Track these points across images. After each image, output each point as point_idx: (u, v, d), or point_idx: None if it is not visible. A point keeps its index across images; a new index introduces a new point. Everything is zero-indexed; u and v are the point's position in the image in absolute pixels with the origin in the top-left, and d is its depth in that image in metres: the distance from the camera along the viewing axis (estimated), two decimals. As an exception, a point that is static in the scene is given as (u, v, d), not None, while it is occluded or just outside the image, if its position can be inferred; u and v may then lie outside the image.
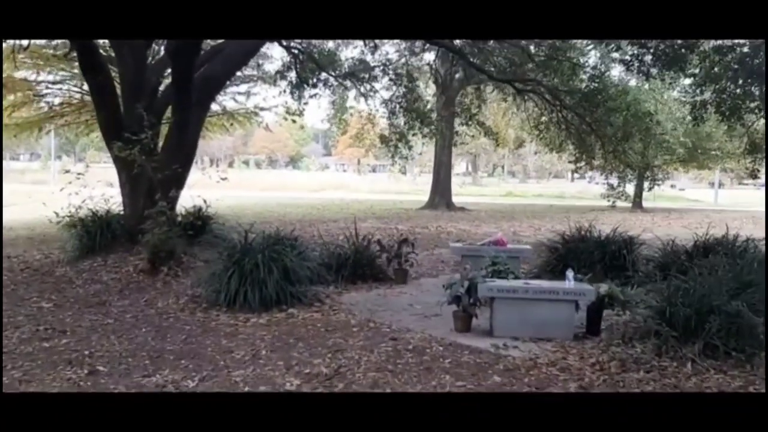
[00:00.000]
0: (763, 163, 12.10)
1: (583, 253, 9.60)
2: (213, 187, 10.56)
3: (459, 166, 68.19)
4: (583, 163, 17.70)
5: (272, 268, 7.64)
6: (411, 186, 48.66)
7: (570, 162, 22.46)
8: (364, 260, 9.25)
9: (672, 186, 16.34)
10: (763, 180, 14.30)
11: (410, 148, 17.10)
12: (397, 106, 15.25)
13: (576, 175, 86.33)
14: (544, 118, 16.44)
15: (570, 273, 6.83)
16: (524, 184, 61.11)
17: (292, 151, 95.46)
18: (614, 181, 16.79)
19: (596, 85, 13.95)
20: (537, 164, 65.42)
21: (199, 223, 10.35)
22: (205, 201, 10.70)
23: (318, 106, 27.47)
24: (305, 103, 20.87)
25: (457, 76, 23.26)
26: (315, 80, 15.65)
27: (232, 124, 21.28)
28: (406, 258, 9.39)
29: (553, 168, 65.84)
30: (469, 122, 15.69)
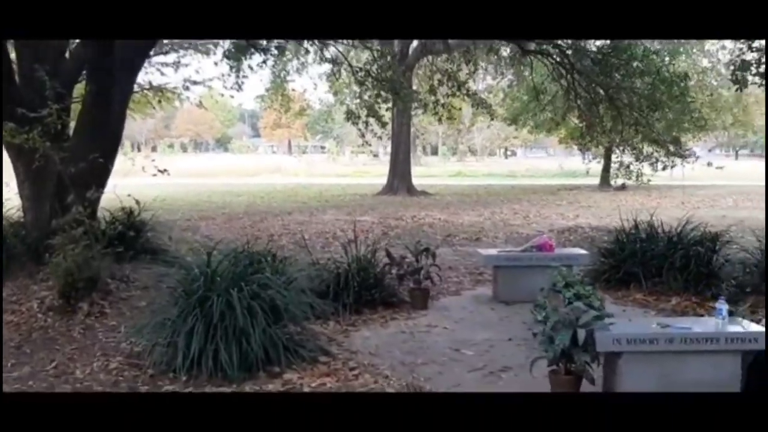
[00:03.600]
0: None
1: (653, 256, 7.32)
2: (134, 174, 7.79)
3: (387, 145, 65.72)
4: (588, 140, 15.52)
5: (255, 310, 5.00)
6: (351, 168, 46.05)
7: (572, 139, 20.42)
8: (371, 279, 6.69)
9: (709, 164, 14.51)
10: None
11: (384, 125, 14.50)
12: (366, 74, 12.61)
13: (509, 153, 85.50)
14: (549, 86, 14.14)
15: (723, 305, 4.48)
16: (462, 163, 59.24)
17: (218, 133, 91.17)
18: (626, 158, 14.74)
19: (610, 43, 11.65)
20: (480, 142, 63.95)
21: (131, 232, 7.52)
22: (138, 202, 7.86)
23: (260, 80, 24.50)
24: (245, 76, 18.05)
25: (414, 43, 20.73)
26: (263, 46, 12.80)
27: (159, 101, 18.07)
28: (427, 274, 6.87)
29: (501, 144, 64.51)
30: (458, 92, 13.30)
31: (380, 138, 17.05)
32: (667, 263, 7.10)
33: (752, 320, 4.60)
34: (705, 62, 21.74)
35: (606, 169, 23.94)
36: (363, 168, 44.74)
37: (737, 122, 26.30)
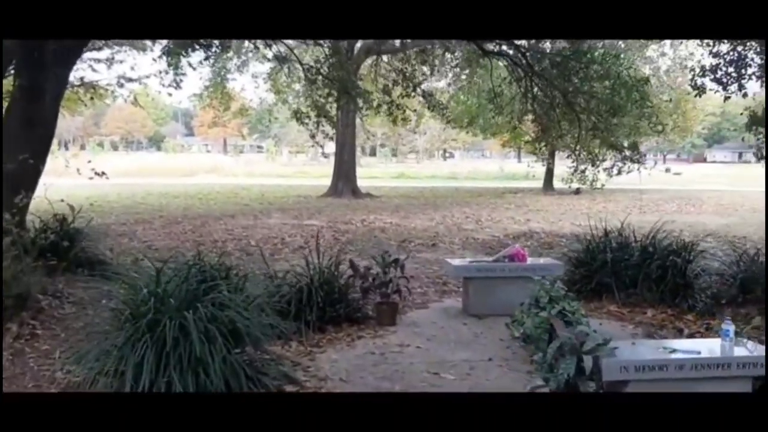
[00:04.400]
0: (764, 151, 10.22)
1: (627, 266, 7.05)
2: (63, 174, 7.05)
3: (329, 146, 65.13)
4: (543, 144, 15.27)
5: (214, 335, 4.40)
6: (291, 168, 45.22)
7: (527, 142, 20.19)
8: (335, 294, 6.16)
9: (667, 170, 14.47)
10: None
11: (334, 125, 13.90)
12: (316, 72, 12.01)
13: (447, 155, 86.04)
14: (506, 88, 13.79)
15: (730, 326, 4.16)
16: (403, 165, 59.09)
17: (150, 131, 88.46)
18: (581, 164, 14.56)
19: (570, 45, 11.41)
20: (422, 144, 63.99)
21: (65, 242, 6.76)
22: (72, 208, 7.09)
23: (199, 77, 23.40)
24: (183, 73, 17.23)
25: (358, 45, 20.21)
26: (205, 43, 12.05)
27: (92, 98, 17.02)
28: (396, 287, 6.38)
29: (440, 146, 64.64)
30: (413, 92, 12.82)
31: (332, 138, 16.48)
32: (642, 274, 6.82)
33: (751, 338, 4.31)
34: (647, 69, 22.02)
35: (550, 172, 23.98)
36: (304, 168, 44.10)
37: (677, 127, 26.92)
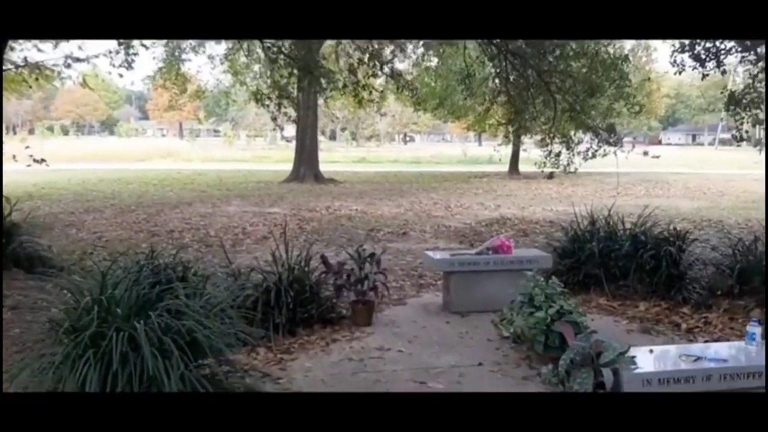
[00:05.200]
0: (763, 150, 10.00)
1: (617, 257, 6.61)
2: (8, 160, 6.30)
3: (289, 130, 63.93)
4: (516, 127, 14.74)
5: (169, 348, 3.78)
6: (249, 152, 44.10)
7: (493, 125, 19.68)
8: (306, 293, 5.56)
9: (645, 153, 14.11)
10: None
11: (297, 107, 13.19)
12: (278, 51, 11.27)
13: (408, 139, 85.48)
14: (476, 69, 13.19)
15: (757, 328, 3.71)
16: (364, 149, 58.30)
17: (103, 115, 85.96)
18: (555, 147, 14.11)
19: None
20: (383, 127, 63.34)
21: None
22: (8, 200, 6.34)
23: (153, 57, 22.03)
24: (135, 53, 16.38)
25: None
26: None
27: (36, 80, 15.97)
28: (373, 284, 5.82)
29: (401, 130, 64.03)
30: (380, 72, 12.20)
31: (295, 121, 15.75)
32: (634, 264, 6.39)
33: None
34: (610, 49, 21.73)
35: (516, 155, 23.61)
36: (263, 153, 43.10)
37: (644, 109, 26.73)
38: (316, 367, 4.77)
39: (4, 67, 11.58)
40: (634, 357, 3.45)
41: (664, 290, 6.29)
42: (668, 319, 5.95)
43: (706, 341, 5.41)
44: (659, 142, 79.64)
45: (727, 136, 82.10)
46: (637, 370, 3.36)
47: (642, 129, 60.76)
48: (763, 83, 9.96)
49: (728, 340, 5.44)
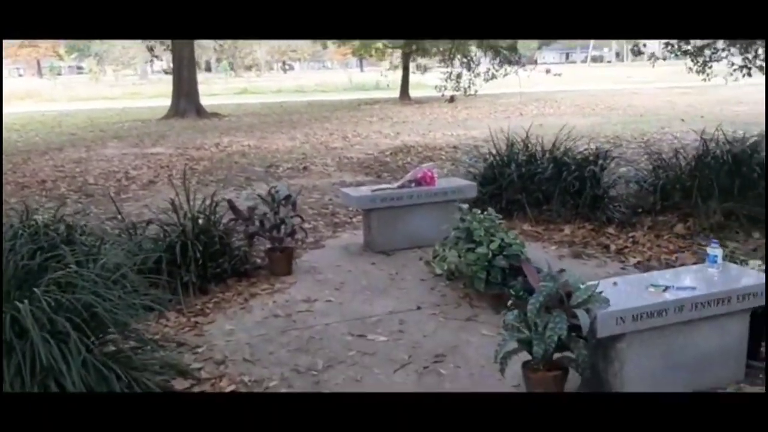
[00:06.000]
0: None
1: (540, 181, 6.38)
2: None
3: (157, 64, 60.24)
4: (413, 48, 14.04)
5: (63, 330, 3.12)
6: (119, 89, 41.03)
7: (394, 47, 18.79)
8: (216, 245, 4.93)
9: (547, 71, 13.78)
10: None
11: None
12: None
13: (287, 67, 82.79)
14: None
15: (718, 250, 3.51)
16: (244, 79, 55.85)
17: (-55, 55, 77.48)
18: (453, 69, 13.58)
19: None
20: (262, 56, 60.88)
21: None
22: None
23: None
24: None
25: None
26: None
27: None
28: (291, 230, 5.25)
29: (279, 58, 61.63)
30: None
31: (171, 51, 14.35)
32: (558, 188, 6.17)
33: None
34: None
35: (406, 80, 23.11)
36: (134, 89, 40.27)
37: None
38: (238, 328, 4.22)
39: None
40: (600, 292, 3.15)
41: (588, 211, 6.12)
42: (596, 241, 5.81)
43: (638, 261, 5.33)
44: (535, 62, 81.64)
45: (597, 53, 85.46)
46: (609, 309, 3.06)
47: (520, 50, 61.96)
48: None
49: (659, 259, 5.41)
